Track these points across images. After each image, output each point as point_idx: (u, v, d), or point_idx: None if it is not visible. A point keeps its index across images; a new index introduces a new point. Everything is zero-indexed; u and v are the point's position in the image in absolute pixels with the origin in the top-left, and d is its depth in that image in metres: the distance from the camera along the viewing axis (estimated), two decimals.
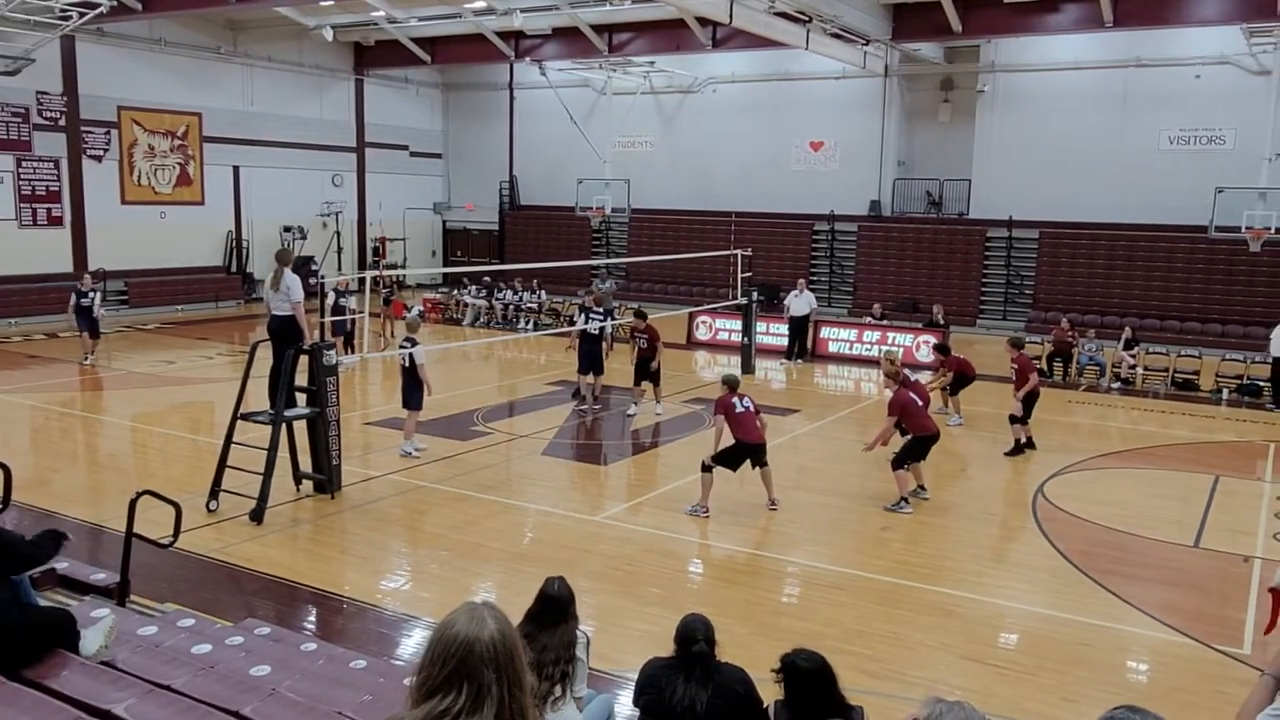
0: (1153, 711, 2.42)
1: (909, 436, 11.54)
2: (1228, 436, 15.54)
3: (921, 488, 11.57)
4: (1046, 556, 9.84)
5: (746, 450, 10.92)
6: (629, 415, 15.68)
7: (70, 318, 19.21)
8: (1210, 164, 23.80)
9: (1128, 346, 19.61)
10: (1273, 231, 21.22)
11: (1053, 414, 16.84)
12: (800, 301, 21.78)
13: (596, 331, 16.41)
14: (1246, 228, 21.40)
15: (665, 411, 15.89)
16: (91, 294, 18.97)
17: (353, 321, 18.64)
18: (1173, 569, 9.67)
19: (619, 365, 17.74)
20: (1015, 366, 14.12)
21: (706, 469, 10.81)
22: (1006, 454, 13.73)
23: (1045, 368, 20.03)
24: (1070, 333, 20.26)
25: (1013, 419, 13.93)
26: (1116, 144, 25.38)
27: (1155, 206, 24.75)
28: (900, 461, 11.31)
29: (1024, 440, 13.90)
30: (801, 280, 22.92)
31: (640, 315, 16.31)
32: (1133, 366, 19.35)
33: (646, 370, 15.73)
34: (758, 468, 11.03)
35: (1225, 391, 18.56)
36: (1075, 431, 15.72)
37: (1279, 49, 21.75)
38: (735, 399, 10.93)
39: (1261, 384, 18.36)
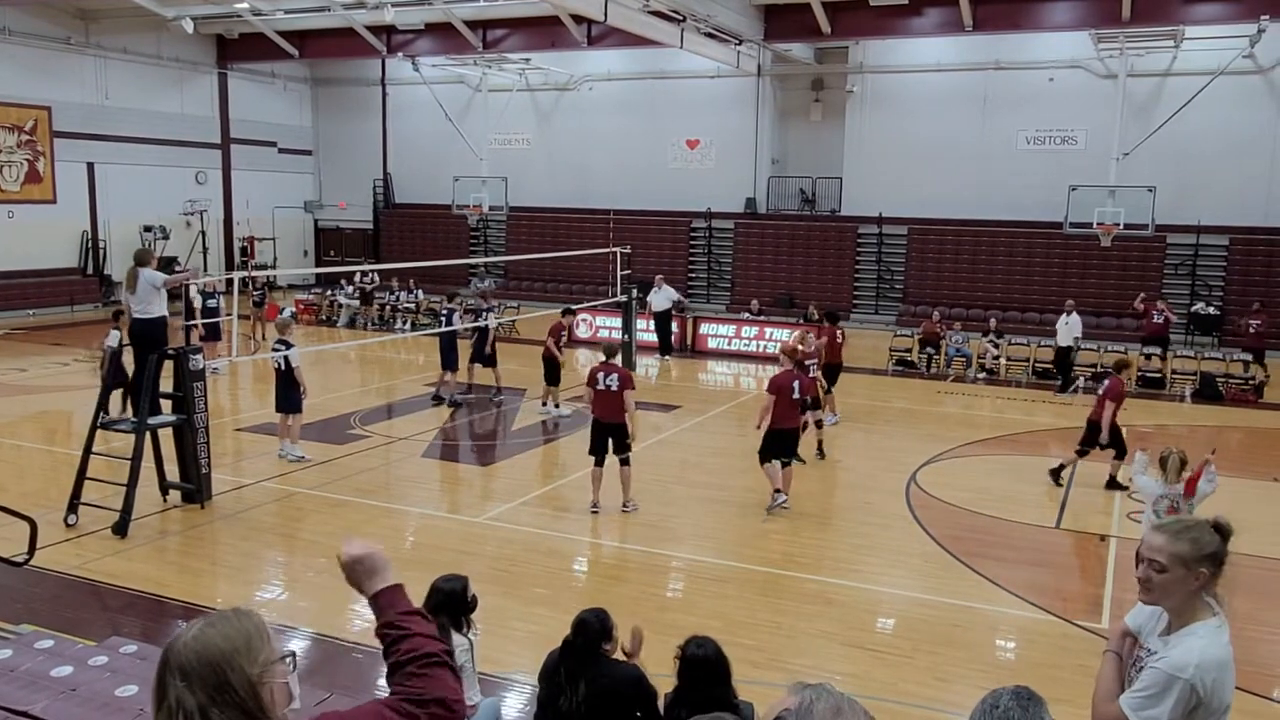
0: (1037, 694, 2.50)
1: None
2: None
3: (778, 491, 10.89)
4: (920, 542, 10.18)
5: (599, 429, 10.65)
6: (549, 413, 15.61)
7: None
8: (1064, 163, 25.03)
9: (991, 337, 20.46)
10: (1120, 227, 22.44)
11: (923, 404, 17.46)
12: (660, 297, 21.99)
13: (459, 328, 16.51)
14: (1097, 224, 22.56)
15: (552, 410, 15.77)
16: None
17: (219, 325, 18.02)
18: (1036, 550, 10.12)
19: (512, 365, 17.58)
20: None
21: (600, 463, 10.70)
22: (1106, 487, 12.26)
23: (915, 359, 20.74)
24: (938, 325, 21.02)
25: (1101, 446, 12.13)
26: (978, 143, 26.45)
27: (1015, 203, 25.89)
28: (763, 457, 10.87)
29: (1113, 476, 12.22)
30: (659, 275, 22.98)
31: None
32: (996, 357, 20.19)
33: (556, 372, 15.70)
34: (619, 462, 10.68)
35: (1081, 380, 19.52)
36: (944, 421, 16.30)
37: (1124, 54, 22.99)
38: (601, 372, 10.59)
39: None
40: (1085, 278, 25.44)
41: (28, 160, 26.84)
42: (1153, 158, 23.26)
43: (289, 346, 12.52)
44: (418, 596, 5.09)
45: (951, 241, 26.88)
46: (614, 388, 10.47)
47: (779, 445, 10.84)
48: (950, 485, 12.22)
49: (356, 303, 25.82)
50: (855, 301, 28.06)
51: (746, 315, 23.24)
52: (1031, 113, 26.00)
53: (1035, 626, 8.18)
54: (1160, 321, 20.08)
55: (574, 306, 18.10)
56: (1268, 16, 20.51)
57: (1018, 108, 26.10)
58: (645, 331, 21.69)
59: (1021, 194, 25.70)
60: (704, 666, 4.52)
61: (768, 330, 22.21)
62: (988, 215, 26.37)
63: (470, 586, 5.19)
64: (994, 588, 8.92)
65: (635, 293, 20.73)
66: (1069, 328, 18.82)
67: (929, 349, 20.75)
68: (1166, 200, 22.84)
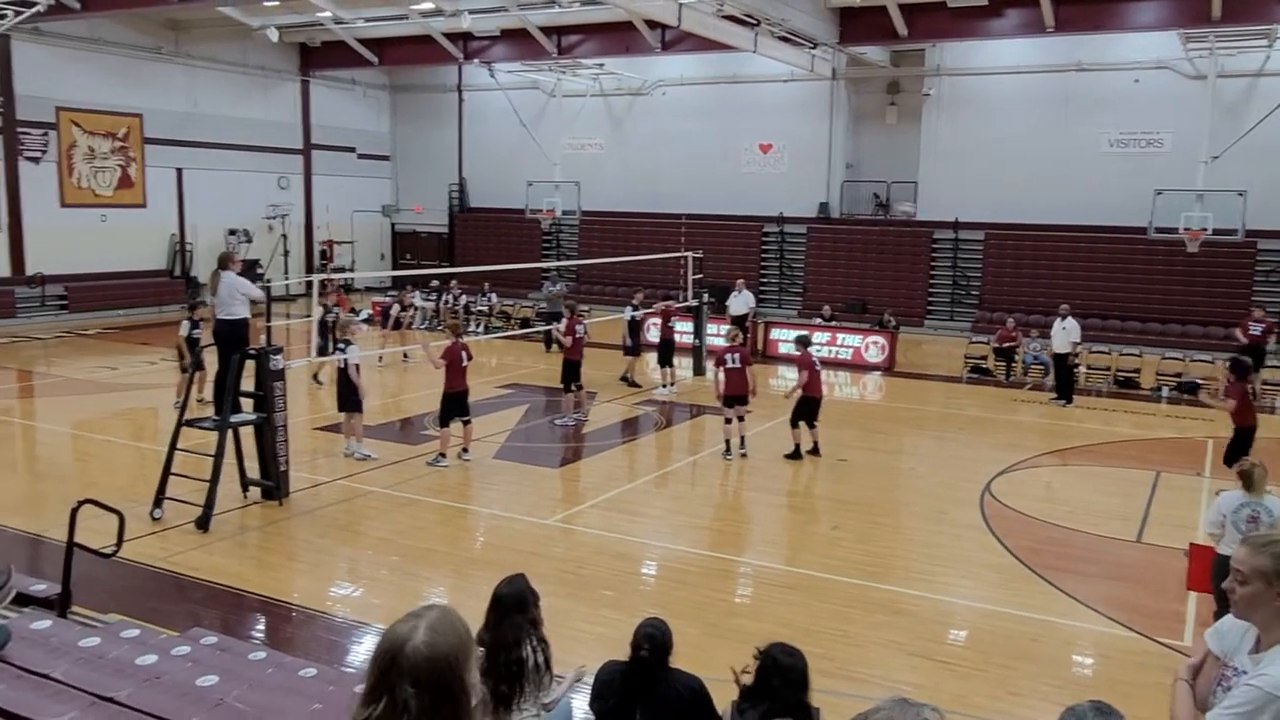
0: (1115, 709, 2.46)
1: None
2: (1168, 433, 15.87)
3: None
4: (994, 553, 9.99)
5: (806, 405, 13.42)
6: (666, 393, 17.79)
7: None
8: (1149, 166, 24.34)
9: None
10: (1208, 233, 21.75)
11: (998, 413, 17.13)
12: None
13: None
14: (1184, 229, 21.92)
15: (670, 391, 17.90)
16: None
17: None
18: (1116, 564, 9.86)
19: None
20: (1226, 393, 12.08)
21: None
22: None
23: (991, 367, 20.35)
24: (1014, 332, 20.59)
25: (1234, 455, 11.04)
26: (1058, 146, 25.85)
27: (1096, 208, 25.24)
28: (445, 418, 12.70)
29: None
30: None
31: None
32: (1075, 365, 19.68)
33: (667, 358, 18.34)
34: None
35: (1165, 389, 18.97)
36: (1020, 430, 15.98)
37: (1214, 55, 22.30)
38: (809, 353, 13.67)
39: (1199, 382, 18.79)
40: (1170, 285, 24.68)
41: (120, 166, 27.81)
42: (1243, 161, 22.47)
43: (349, 346, 12.84)
44: (483, 596, 5.16)
45: (1030, 247, 26.32)
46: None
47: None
48: (1026, 495, 11.98)
49: (430, 304, 26.17)
50: (930, 308, 27.63)
51: (819, 320, 23.03)
52: (1115, 115, 25.33)
53: (1113, 642, 7.98)
54: (1259, 333, 19.22)
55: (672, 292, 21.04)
56: None
57: (1101, 110, 25.45)
58: (717, 337, 21.61)
59: (1104, 198, 25.04)
60: (786, 674, 4.53)
61: (840, 336, 22.00)
62: (1068, 220, 25.73)
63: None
64: (1071, 601, 8.71)
65: (707, 297, 20.72)
66: (1066, 332, 17.58)
67: (1003, 358, 20.33)
68: (1257, 205, 22.10)
